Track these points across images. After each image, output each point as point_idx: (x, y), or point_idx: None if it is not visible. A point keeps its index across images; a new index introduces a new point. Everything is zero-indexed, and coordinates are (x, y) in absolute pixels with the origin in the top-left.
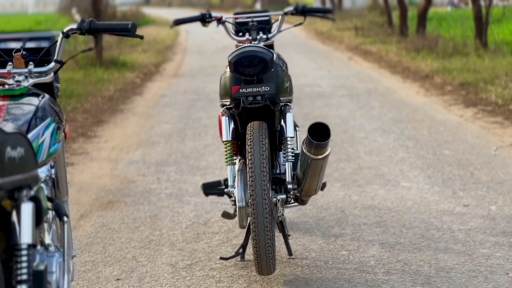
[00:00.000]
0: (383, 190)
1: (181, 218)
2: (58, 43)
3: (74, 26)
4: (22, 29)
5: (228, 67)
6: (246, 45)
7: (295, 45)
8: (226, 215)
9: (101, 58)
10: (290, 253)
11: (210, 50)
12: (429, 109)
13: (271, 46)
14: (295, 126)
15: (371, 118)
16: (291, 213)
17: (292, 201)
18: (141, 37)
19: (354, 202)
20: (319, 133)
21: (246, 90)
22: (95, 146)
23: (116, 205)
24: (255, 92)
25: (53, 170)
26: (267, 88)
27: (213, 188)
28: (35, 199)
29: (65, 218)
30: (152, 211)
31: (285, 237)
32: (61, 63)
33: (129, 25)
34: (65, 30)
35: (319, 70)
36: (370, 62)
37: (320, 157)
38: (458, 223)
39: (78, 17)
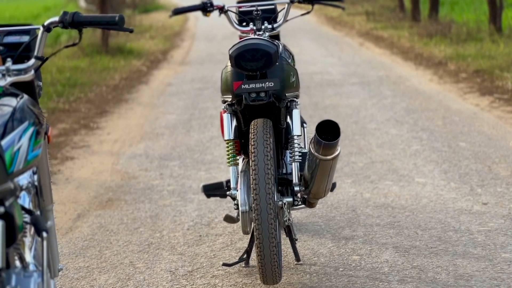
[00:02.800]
0: (396, 187)
1: (183, 218)
2: (38, 38)
3: (56, 18)
4: (31, 15)
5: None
6: (248, 37)
7: (305, 31)
8: (228, 218)
9: (107, 45)
10: (297, 258)
11: (219, 36)
12: (443, 97)
13: (277, 37)
14: (303, 122)
15: (383, 107)
16: (299, 213)
17: (300, 203)
18: (131, 31)
19: (366, 200)
20: (328, 132)
21: (249, 86)
22: (97, 139)
23: (116, 204)
24: (258, 88)
25: (36, 177)
26: (271, 84)
27: (214, 190)
28: (6, 216)
29: (44, 234)
30: (153, 210)
31: (293, 241)
32: (42, 59)
33: (116, 18)
34: (46, 23)
35: (329, 57)
36: (382, 48)
37: (329, 157)
38: (477, 224)
39: (83, 4)
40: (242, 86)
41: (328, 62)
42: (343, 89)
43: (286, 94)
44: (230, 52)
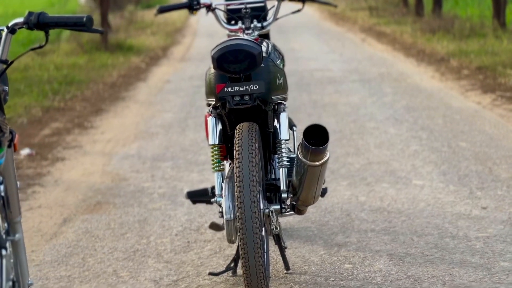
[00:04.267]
0: (393, 189)
1: (172, 223)
2: (2, 40)
3: (21, 19)
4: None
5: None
6: (231, 37)
7: (308, 27)
8: (214, 226)
9: (106, 41)
10: (287, 267)
11: (221, 32)
12: (445, 95)
13: (267, 36)
14: (292, 126)
15: (383, 105)
16: (291, 217)
17: (288, 210)
18: (101, 32)
19: (361, 203)
20: (316, 136)
21: (232, 89)
22: (90, 138)
23: (104, 207)
24: (242, 91)
25: (2, 187)
26: (255, 87)
27: (199, 197)
28: None
29: (3, 251)
30: (141, 215)
31: (282, 250)
32: (6, 63)
33: (84, 19)
34: (10, 25)
35: (331, 53)
36: (384, 44)
37: (317, 163)
38: (476, 230)
39: (82, 0)
40: (225, 89)
41: (329, 58)
42: (343, 87)
43: (273, 97)
44: (212, 53)
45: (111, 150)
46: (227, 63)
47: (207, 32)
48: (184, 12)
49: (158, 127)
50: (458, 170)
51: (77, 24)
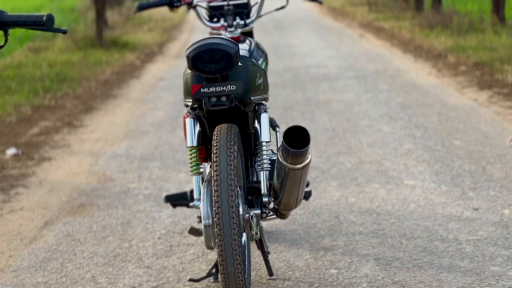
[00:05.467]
0: (384, 190)
1: (155, 225)
2: None
3: None
4: (33, 7)
5: None
6: (207, 36)
7: (306, 22)
8: (194, 231)
9: (101, 38)
10: (270, 273)
11: None
12: (441, 92)
13: (250, 34)
14: (275, 126)
15: (378, 103)
16: (278, 220)
17: (270, 214)
18: (64, 32)
19: (350, 205)
20: (297, 138)
21: (208, 89)
22: (79, 138)
23: (88, 209)
24: (219, 92)
25: None
26: (232, 87)
27: (177, 200)
28: None
29: None
30: (125, 217)
31: (265, 255)
32: None
33: (44, 18)
34: None
35: (327, 49)
36: (382, 40)
37: (298, 166)
38: (466, 232)
39: None
40: (201, 89)
41: (326, 54)
42: (338, 84)
43: (252, 98)
44: (187, 52)
45: (99, 149)
46: (202, 62)
47: (205, 28)
48: (182, 7)
49: (148, 125)
50: (451, 169)
51: (37, 24)
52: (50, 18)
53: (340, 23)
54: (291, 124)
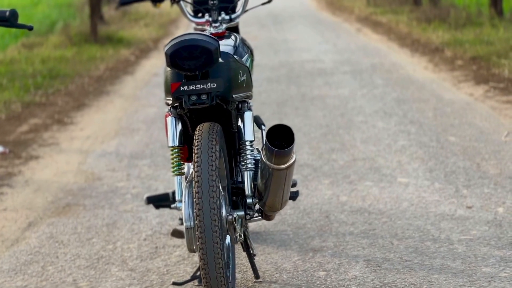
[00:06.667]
0: (376, 188)
1: (142, 226)
2: None
3: None
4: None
5: None
6: (186, 32)
7: (303, 17)
8: (176, 233)
9: (96, 33)
10: (256, 275)
11: None
12: (437, 86)
13: (235, 29)
14: (261, 124)
15: (373, 98)
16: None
17: (255, 216)
18: (30, 28)
19: (342, 204)
20: (281, 137)
21: (188, 87)
22: (68, 135)
23: (73, 210)
24: (199, 90)
25: None
26: (213, 85)
27: (159, 202)
28: None
29: None
30: (111, 217)
31: (250, 257)
32: None
33: (7, 13)
34: None
35: (324, 44)
36: (379, 34)
37: (282, 166)
38: (459, 232)
39: None
40: (181, 88)
41: (322, 49)
42: (333, 78)
43: (234, 96)
44: (165, 49)
45: (88, 147)
46: (181, 60)
47: None
48: (166, 2)
49: (140, 122)
50: (445, 166)
51: (0, 20)
52: (14, 13)
53: (338, 17)
54: (285, 120)
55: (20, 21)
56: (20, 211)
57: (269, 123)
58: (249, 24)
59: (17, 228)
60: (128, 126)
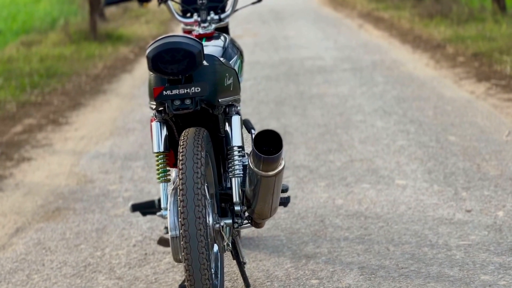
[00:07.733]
0: (373, 191)
1: (132, 231)
2: None
3: None
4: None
5: None
6: (168, 34)
7: (305, 12)
8: (163, 242)
9: (95, 31)
10: (247, 284)
11: None
12: (438, 84)
13: (225, 29)
14: (250, 128)
15: (373, 96)
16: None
17: (243, 224)
18: None
19: (337, 207)
20: (269, 143)
21: (171, 92)
22: (63, 136)
23: (63, 214)
24: (182, 94)
25: None
26: (197, 89)
27: (144, 209)
28: None
29: None
30: (101, 222)
31: (240, 265)
32: None
33: None
34: None
35: (325, 40)
36: (381, 30)
37: (271, 173)
38: (457, 237)
39: None
40: (164, 92)
41: (322, 46)
42: (333, 76)
43: (220, 100)
44: (147, 52)
45: (82, 148)
46: (163, 63)
47: None
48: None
49: (136, 122)
50: (445, 167)
51: None
52: None
53: (340, 13)
54: (283, 119)
55: (21, 18)
56: (8, 216)
57: (266, 123)
58: (250, 21)
59: (4, 234)
60: (124, 126)
